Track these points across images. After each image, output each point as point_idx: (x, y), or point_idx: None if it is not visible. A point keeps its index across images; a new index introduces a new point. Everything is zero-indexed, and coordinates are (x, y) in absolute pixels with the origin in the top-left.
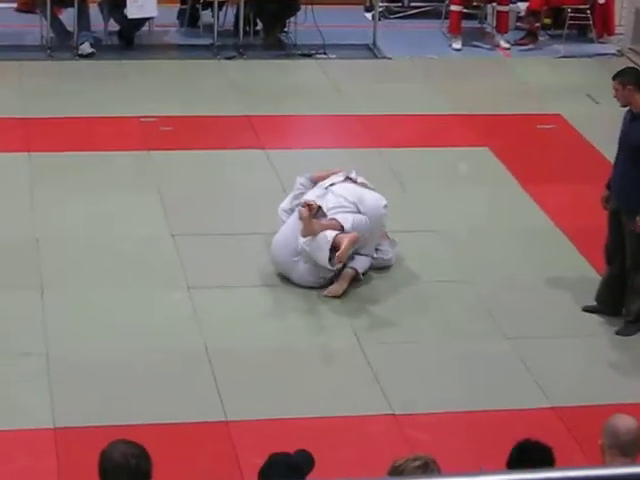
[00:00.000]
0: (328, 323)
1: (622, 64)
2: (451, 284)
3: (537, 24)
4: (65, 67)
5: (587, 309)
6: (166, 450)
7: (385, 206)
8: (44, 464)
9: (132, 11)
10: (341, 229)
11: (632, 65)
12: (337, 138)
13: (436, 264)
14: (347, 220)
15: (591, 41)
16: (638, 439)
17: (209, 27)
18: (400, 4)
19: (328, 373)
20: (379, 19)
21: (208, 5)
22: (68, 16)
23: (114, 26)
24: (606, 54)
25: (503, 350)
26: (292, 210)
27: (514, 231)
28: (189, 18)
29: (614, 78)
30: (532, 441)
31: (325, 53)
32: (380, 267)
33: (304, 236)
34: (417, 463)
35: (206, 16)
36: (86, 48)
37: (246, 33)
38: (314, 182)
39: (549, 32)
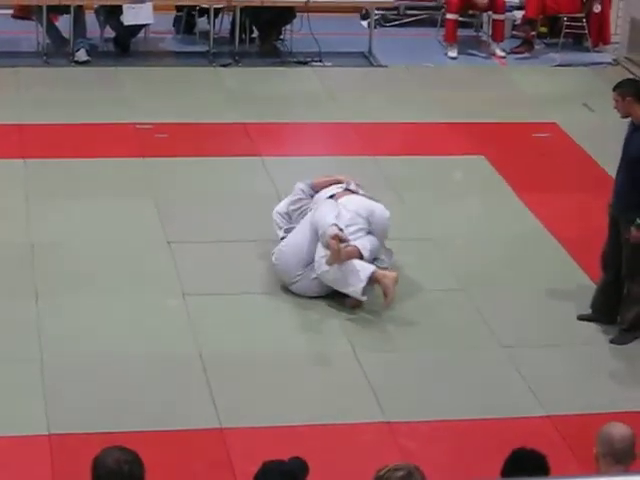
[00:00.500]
0: (323, 331)
1: (618, 73)
2: (446, 292)
3: (533, 33)
4: (61, 74)
5: (582, 318)
6: (160, 457)
7: (389, 218)
8: (38, 471)
9: (128, 18)
10: (360, 257)
11: (628, 74)
12: (332, 146)
13: (431, 272)
14: (365, 248)
15: (587, 50)
16: (632, 447)
17: (205, 34)
18: (396, 12)
19: (322, 381)
20: (375, 27)
21: (204, 12)
22: (64, 23)
23: (110, 33)
24: (602, 63)
25: (498, 358)
26: (288, 215)
27: (509, 239)
28: (185, 25)
29: (614, 89)
30: (527, 450)
31: (321, 61)
32: None
33: (330, 264)
34: (400, 473)
35: (202, 23)
36: (82, 55)
37: (242, 40)
38: (314, 189)
39: (545, 41)
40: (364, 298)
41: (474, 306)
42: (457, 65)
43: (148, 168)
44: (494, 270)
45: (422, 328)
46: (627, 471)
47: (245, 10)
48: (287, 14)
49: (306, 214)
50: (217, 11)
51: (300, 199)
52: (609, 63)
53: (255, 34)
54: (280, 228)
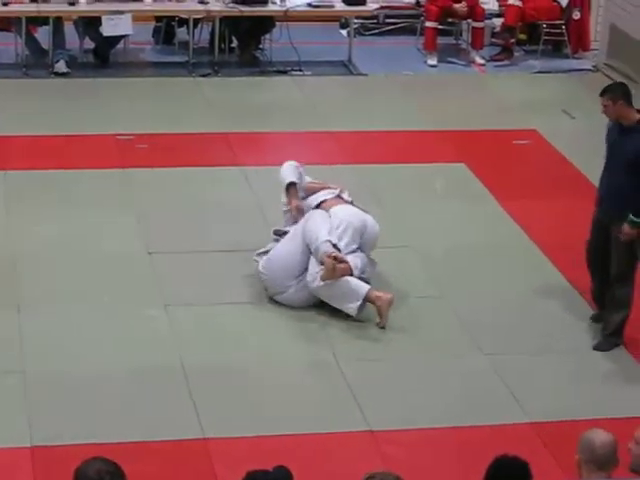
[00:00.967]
0: (305, 340)
1: (597, 79)
2: (427, 300)
3: (512, 40)
4: (40, 85)
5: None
6: (143, 468)
7: (378, 232)
8: None
9: (107, 29)
10: (350, 275)
11: (608, 80)
12: (313, 155)
13: (412, 280)
14: (356, 267)
15: (566, 57)
16: (614, 453)
17: (184, 44)
18: (375, 21)
19: (305, 390)
20: (354, 36)
21: (183, 23)
22: (43, 34)
23: (89, 44)
24: (581, 69)
25: (480, 366)
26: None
27: (490, 247)
28: (164, 36)
29: (603, 94)
30: (509, 457)
31: (300, 70)
32: None
33: (324, 280)
34: None
35: (181, 34)
36: (61, 66)
37: (221, 50)
38: (305, 192)
39: (524, 48)
40: (358, 317)
41: (455, 313)
42: (437, 73)
43: (128, 179)
44: (475, 277)
45: (403, 336)
46: (609, 477)
47: (224, 20)
48: (266, 23)
49: (296, 220)
50: (196, 21)
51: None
52: (589, 70)
53: (234, 44)
54: (295, 176)
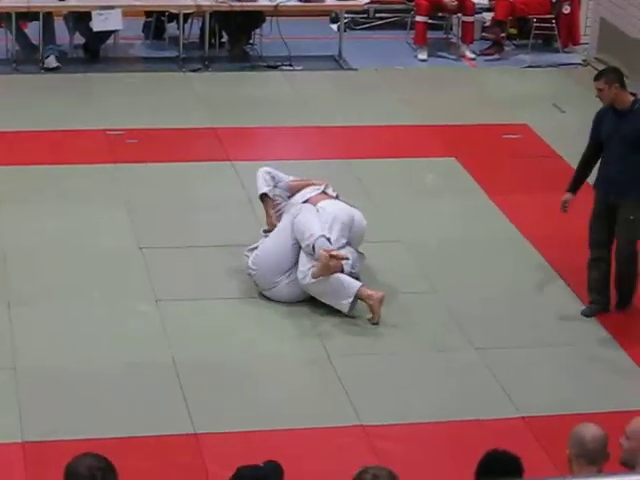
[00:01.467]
0: (296, 335)
1: (587, 73)
2: (419, 295)
3: (502, 34)
4: (31, 81)
5: (588, 313)
6: (134, 463)
7: (366, 226)
8: (12, 479)
9: (97, 24)
10: (341, 270)
11: None
12: (303, 149)
13: (403, 275)
14: (347, 263)
15: (556, 51)
16: (604, 447)
17: (174, 39)
18: (365, 15)
19: (296, 385)
20: (345, 30)
21: (173, 18)
22: (33, 30)
23: (79, 39)
24: (571, 64)
25: (471, 360)
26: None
27: (481, 241)
28: (154, 31)
29: (598, 78)
30: (500, 451)
31: (291, 65)
32: None
33: (316, 277)
34: (368, 476)
35: (171, 28)
36: (52, 61)
37: (211, 45)
38: (289, 191)
39: (514, 42)
40: (350, 314)
41: (446, 308)
42: (427, 67)
43: (119, 174)
44: (465, 271)
45: (394, 331)
46: (600, 472)
47: (214, 15)
48: (256, 18)
49: (282, 217)
50: (186, 16)
51: (278, 204)
52: (579, 64)
53: (225, 39)
54: (267, 184)
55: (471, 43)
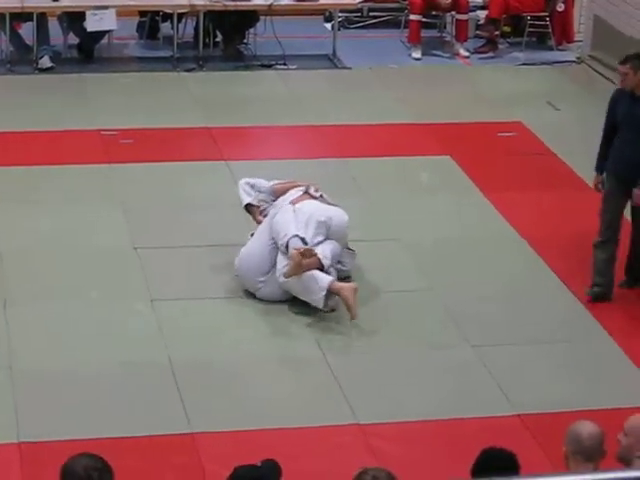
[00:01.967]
0: (292, 334)
1: (582, 71)
2: (414, 293)
3: (496, 32)
4: (25, 81)
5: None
6: (130, 463)
7: (347, 222)
8: (8, 479)
9: (91, 24)
10: (321, 267)
11: (592, 72)
12: (298, 148)
13: (399, 273)
14: (326, 256)
15: (550, 48)
16: (601, 444)
17: (169, 39)
18: (359, 14)
19: (292, 384)
20: (339, 29)
21: (167, 17)
22: (27, 30)
23: (74, 39)
24: (566, 61)
25: (467, 358)
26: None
27: (476, 239)
28: (148, 30)
29: (625, 62)
30: (497, 449)
31: (285, 64)
32: (339, 278)
33: (288, 276)
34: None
35: (165, 28)
36: (46, 62)
37: (206, 45)
38: (274, 195)
39: (509, 40)
40: (325, 309)
41: (442, 306)
42: (421, 66)
43: (114, 174)
44: (461, 269)
45: (391, 329)
46: (597, 469)
47: (208, 14)
48: (250, 17)
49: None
50: (180, 16)
51: (264, 209)
52: (573, 61)
53: (219, 38)
54: (248, 195)
55: (465, 41)
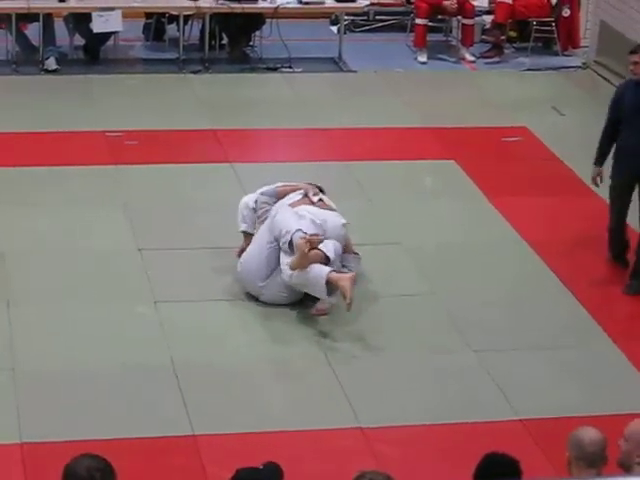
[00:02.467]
0: (294, 337)
1: (587, 77)
2: (417, 297)
3: (502, 37)
4: (30, 82)
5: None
6: (133, 464)
7: (344, 225)
8: None
9: (97, 25)
10: (326, 259)
11: (598, 78)
12: (303, 151)
13: (402, 277)
14: (330, 250)
15: (556, 54)
16: (603, 451)
17: (174, 41)
18: (366, 18)
19: (295, 387)
20: (345, 32)
21: (173, 19)
22: (33, 31)
23: (79, 40)
24: (571, 67)
25: (470, 363)
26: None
27: (480, 243)
28: (154, 32)
29: (635, 52)
30: (499, 454)
31: (290, 67)
32: None
33: (294, 268)
34: None
35: (171, 30)
36: (51, 63)
37: (211, 47)
38: (277, 197)
39: (514, 45)
40: (333, 300)
41: (445, 310)
42: (427, 70)
43: (119, 175)
44: (464, 274)
45: (393, 333)
46: (599, 475)
47: (214, 17)
48: (256, 20)
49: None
50: (186, 18)
51: (266, 211)
52: (578, 67)
53: (225, 41)
54: (244, 222)
55: (471, 46)
